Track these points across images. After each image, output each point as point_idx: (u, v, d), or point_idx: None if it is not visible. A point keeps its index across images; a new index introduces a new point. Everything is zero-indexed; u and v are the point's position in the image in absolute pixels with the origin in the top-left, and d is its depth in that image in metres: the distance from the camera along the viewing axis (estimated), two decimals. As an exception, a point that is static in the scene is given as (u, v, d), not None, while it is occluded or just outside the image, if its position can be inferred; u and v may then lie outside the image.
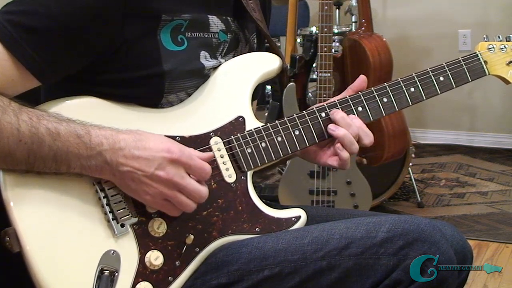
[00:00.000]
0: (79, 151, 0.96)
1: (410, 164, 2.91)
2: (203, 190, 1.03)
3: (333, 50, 2.53)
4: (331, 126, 1.14)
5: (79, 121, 0.98)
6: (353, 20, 3.42)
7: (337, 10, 3.58)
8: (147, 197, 1.00)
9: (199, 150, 1.07)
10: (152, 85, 1.07)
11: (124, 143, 0.98)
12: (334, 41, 3.06)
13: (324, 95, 2.44)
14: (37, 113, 0.96)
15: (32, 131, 0.94)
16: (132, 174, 0.98)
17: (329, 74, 2.45)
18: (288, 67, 2.60)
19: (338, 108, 1.16)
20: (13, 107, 0.95)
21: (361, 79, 1.19)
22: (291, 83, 2.54)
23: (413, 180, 3.07)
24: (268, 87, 2.70)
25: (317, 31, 2.56)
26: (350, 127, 1.12)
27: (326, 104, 1.16)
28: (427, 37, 4.02)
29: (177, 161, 1.00)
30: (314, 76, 2.73)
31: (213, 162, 1.08)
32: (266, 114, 2.61)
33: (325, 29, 2.43)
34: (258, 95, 1.35)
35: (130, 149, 0.98)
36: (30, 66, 0.98)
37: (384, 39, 2.77)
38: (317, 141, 1.15)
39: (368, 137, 1.14)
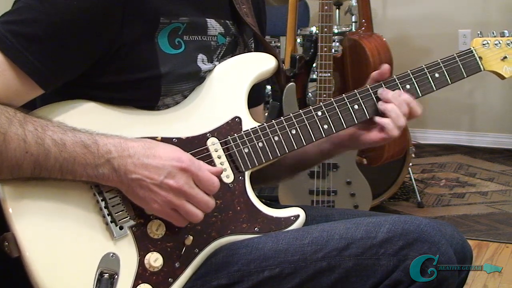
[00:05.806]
0: (86, 161, 0.96)
1: (410, 164, 2.91)
2: (211, 201, 1.02)
3: (333, 50, 2.53)
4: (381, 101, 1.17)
5: (84, 130, 0.98)
6: (353, 20, 3.42)
7: (337, 10, 3.58)
8: (155, 205, 0.99)
9: (196, 151, 1.07)
10: (149, 87, 1.07)
11: (133, 150, 0.98)
12: (334, 41, 3.06)
13: (324, 95, 2.44)
14: (42, 123, 0.95)
15: (38, 142, 0.93)
16: (141, 181, 0.98)
17: (329, 74, 2.45)
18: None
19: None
20: (19, 118, 0.94)
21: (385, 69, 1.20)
22: (291, 83, 2.54)
23: (413, 180, 3.07)
24: (268, 87, 2.70)
25: (317, 31, 2.56)
26: (402, 105, 1.16)
27: (323, 103, 1.16)
28: (427, 37, 4.01)
29: (187, 170, 0.99)
30: (314, 76, 2.73)
31: (210, 163, 1.08)
32: (266, 114, 2.60)
33: (325, 29, 2.43)
34: (263, 98, 1.35)
35: (139, 157, 0.98)
36: (34, 75, 0.97)
37: (384, 39, 2.77)
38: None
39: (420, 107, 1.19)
